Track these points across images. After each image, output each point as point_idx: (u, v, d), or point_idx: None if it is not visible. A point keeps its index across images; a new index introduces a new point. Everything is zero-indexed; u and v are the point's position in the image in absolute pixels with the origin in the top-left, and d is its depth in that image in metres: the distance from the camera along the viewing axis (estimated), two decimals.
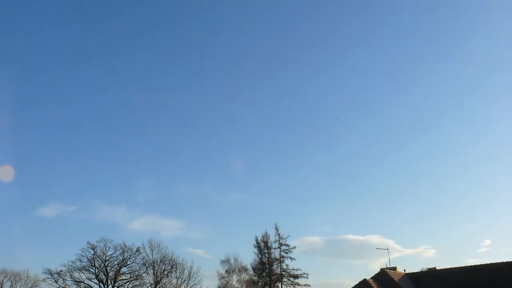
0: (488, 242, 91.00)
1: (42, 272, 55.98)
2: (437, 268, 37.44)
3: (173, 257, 58.05)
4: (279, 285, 60.25)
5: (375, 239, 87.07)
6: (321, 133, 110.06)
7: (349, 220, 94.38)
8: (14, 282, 57.93)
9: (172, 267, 57.57)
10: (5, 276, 57.40)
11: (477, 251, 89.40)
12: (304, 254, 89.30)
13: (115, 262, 57.17)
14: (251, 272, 61.34)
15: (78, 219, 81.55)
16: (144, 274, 57.22)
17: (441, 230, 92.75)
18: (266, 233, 61.72)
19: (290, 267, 60.55)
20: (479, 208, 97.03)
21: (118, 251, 57.13)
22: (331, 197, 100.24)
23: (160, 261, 57.53)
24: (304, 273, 60.03)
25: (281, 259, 60.79)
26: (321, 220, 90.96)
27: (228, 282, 59.91)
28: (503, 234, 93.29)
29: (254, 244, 61.46)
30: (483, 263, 33.14)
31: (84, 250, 56.20)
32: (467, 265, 34.34)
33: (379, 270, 35.21)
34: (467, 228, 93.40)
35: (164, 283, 56.96)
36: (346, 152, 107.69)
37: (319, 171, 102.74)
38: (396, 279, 33.98)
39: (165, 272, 57.36)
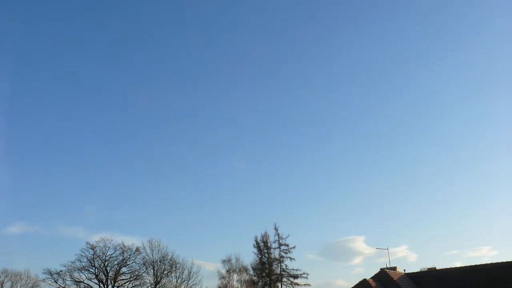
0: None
1: (42, 272, 56.08)
2: (437, 268, 37.55)
3: (173, 257, 58.15)
4: (279, 285, 60.30)
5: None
6: (316, 134, 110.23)
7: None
8: (14, 282, 57.94)
9: (172, 267, 57.60)
10: (6, 276, 57.41)
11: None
12: None
13: (115, 262, 57.22)
14: (251, 272, 61.46)
15: (43, 236, 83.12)
16: (144, 274, 57.30)
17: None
18: (266, 233, 61.83)
19: (289, 267, 60.69)
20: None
21: (117, 251, 57.22)
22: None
23: (160, 261, 57.58)
24: (303, 273, 60.12)
25: (281, 259, 60.83)
26: None
27: (228, 282, 59.96)
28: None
29: (253, 244, 61.59)
30: (483, 263, 33.24)
31: (83, 250, 56.26)
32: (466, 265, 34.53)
33: (379, 270, 35.30)
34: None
35: (164, 283, 57.02)
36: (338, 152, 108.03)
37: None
38: (395, 278, 34.05)
39: (165, 272, 57.40)
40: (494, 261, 32.49)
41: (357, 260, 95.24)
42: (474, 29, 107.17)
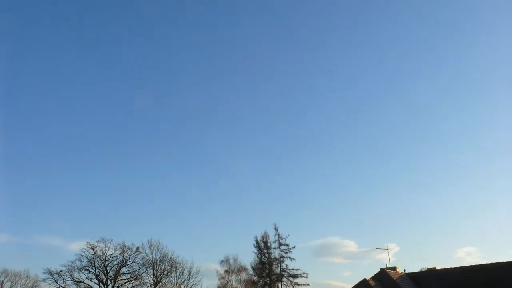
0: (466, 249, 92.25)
1: (42, 272, 56.08)
2: (437, 268, 37.54)
3: (172, 257, 58.15)
4: (279, 285, 60.31)
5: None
6: (316, 135, 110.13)
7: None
8: (14, 282, 57.92)
9: (172, 267, 57.58)
10: (6, 276, 57.39)
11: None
12: None
13: (115, 262, 57.12)
14: (251, 272, 61.47)
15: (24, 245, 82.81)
16: (144, 274, 57.25)
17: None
18: (266, 233, 61.82)
19: (289, 267, 60.68)
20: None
21: (117, 251, 57.14)
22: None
23: (160, 261, 57.54)
24: (303, 273, 60.15)
25: (281, 259, 60.83)
26: None
27: (227, 282, 59.95)
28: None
29: (253, 244, 61.59)
30: (483, 263, 33.23)
31: (84, 250, 56.20)
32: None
33: (379, 270, 35.28)
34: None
35: (164, 283, 56.99)
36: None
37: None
38: (395, 278, 34.04)
39: (165, 272, 57.38)
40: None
41: (346, 260, 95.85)
42: (476, 30, 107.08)
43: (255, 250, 61.40)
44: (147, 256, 57.35)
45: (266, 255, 61.24)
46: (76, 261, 55.61)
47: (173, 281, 57.20)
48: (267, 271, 60.56)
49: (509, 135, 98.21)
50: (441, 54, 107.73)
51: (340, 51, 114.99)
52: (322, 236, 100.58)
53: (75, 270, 55.57)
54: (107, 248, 56.64)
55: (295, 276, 60.17)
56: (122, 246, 57.19)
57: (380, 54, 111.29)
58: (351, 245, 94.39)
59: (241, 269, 61.13)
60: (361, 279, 33.98)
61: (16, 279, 58.03)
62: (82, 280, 55.86)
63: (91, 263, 56.01)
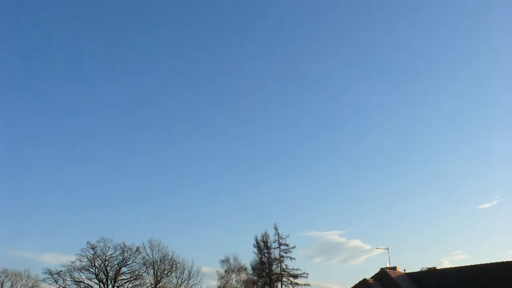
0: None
1: (42, 272, 56.22)
2: (437, 267, 37.57)
3: (173, 257, 58.22)
4: (279, 285, 60.37)
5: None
6: (315, 135, 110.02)
7: None
8: (14, 282, 57.95)
9: (172, 267, 57.65)
10: (6, 276, 57.42)
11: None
12: None
13: (115, 262, 57.26)
14: (251, 272, 61.53)
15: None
16: (144, 274, 57.36)
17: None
18: (265, 233, 61.88)
19: (289, 267, 60.74)
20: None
21: (118, 251, 57.21)
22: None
23: (160, 261, 57.62)
24: (303, 273, 60.21)
25: (281, 259, 60.88)
26: None
27: (227, 282, 60.02)
28: None
29: (253, 244, 61.64)
30: (483, 263, 33.20)
31: (84, 250, 56.28)
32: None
33: (379, 270, 35.28)
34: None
35: (164, 283, 57.07)
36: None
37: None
38: (396, 278, 34.03)
39: (165, 272, 57.46)
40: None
41: (344, 260, 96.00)
42: (485, 35, 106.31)
43: (255, 250, 61.60)
44: (148, 256, 57.52)
45: (266, 255, 61.33)
46: (76, 261, 55.83)
47: (173, 281, 57.38)
48: (267, 271, 60.61)
49: (507, 142, 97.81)
50: (449, 57, 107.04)
51: (345, 51, 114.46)
52: (320, 237, 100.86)
53: (75, 270, 55.81)
54: (107, 248, 56.83)
55: (295, 276, 60.25)
56: (122, 246, 57.35)
57: (387, 55, 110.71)
58: (350, 245, 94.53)
59: (241, 269, 61.27)
60: (361, 279, 34.05)
61: (17, 279, 58.13)
62: (82, 280, 56.03)
63: (91, 263, 56.15)
